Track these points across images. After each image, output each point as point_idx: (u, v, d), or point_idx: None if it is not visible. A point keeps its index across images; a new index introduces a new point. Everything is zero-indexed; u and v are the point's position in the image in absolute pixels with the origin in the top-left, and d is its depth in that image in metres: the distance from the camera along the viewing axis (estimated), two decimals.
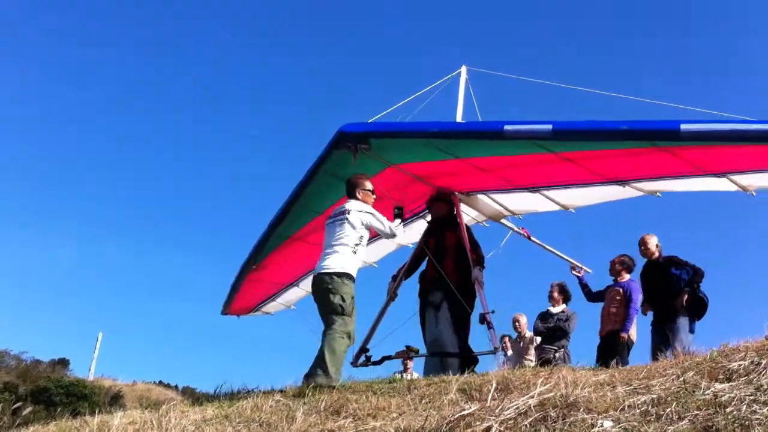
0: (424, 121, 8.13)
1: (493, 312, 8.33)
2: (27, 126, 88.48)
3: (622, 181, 8.39)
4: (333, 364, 6.76)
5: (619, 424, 4.07)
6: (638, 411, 4.25)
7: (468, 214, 9.92)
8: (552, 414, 4.34)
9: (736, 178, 7.52)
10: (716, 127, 6.42)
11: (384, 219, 7.55)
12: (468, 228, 9.09)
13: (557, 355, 10.19)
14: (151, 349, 71.17)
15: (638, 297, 9.49)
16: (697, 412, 4.05)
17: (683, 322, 8.95)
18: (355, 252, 7.24)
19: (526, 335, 11.94)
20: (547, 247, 10.47)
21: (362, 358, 8.72)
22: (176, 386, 46.34)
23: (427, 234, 9.22)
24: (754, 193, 7.68)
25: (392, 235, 7.75)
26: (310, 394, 6.27)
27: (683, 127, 6.33)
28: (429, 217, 9.40)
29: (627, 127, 6.66)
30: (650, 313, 9.45)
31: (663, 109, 8.47)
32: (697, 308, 8.98)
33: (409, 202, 9.37)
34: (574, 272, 10.43)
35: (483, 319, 8.25)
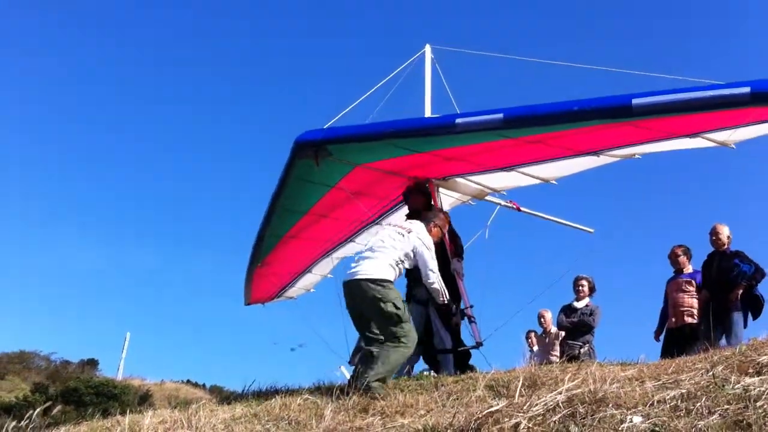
0: (381, 121, 7.93)
1: (471, 307, 8.17)
2: (58, 129, 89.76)
3: (595, 152, 8.20)
4: (380, 374, 6.39)
5: (648, 419, 4.05)
6: (668, 406, 4.23)
7: (450, 197, 9.72)
8: (581, 410, 4.32)
9: (710, 135, 7.31)
10: (670, 98, 6.19)
11: (433, 262, 7.13)
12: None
13: (582, 350, 10.08)
14: (179, 349, 71.92)
15: None
16: (727, 406, 4.02)
17: (737, 316, 8.87)
18: (393, 267, 6.92)
19: (552, 331, 11.87)
20: (542, 214, 10.00)
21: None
22: (204, 385, 46.77)
23: None
24: (734, 146, 7.40)
25: (426, 276, 7.19)
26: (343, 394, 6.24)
27: (635, 101, 6.17)
28: (406, 209, 9.03)
29: (578, 108, 6.49)
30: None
31: (636, 78, 8.48)
32: (753, 306, 8.90)
33: (391, 191, 9.28)
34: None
35: (463, 314, 8.12)
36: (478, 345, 7.89)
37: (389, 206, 9.89)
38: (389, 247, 6.93)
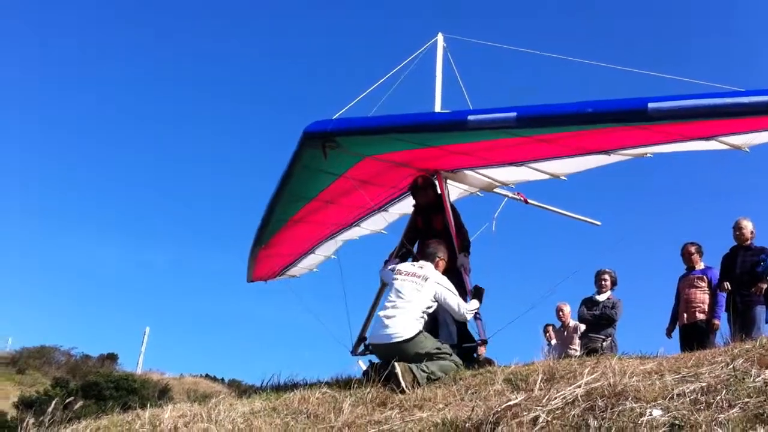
0: (391, 114, 7.78)
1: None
2: (80, 131, 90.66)
3: (606, 151, 8.15)
4: (427, 371, 6.54)
5: (668, 412, 4.03)
6: (688, 399, 4.21)
7: (458, 188, 9.68)
8: (600, 403, 4.32)
9: (725, 139, 7.17)
10: (687, 103, 6.06)
11: (456, 297, 7.33)
12: (455, 210, 8.82)
13: (604, 344, 9.98)
14: (198, 343, 72.38)
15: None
16: (748, 399, 4.00)
17: (760, 310, 8.81)
18: (419, 319, 6.98)
19: (570, 324, 11.84)
20: (549, 207, 9.95)
21: (361, 347, 8.49)
22: (222, 379, 47.08)
23: (414, 217, 9.03)
24: (747, 150, 7.29)
25: (461, 316, 7.41)
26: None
27: (650, 106, 6.07)
28: (413, 201, 9.09)
29: (593, 110, 6.39)
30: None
31: (644, 78, 8.43)
32: None
33: (398, 181, 9.26)
34: None
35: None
36: (483, 342, 7.87)
37: (396, 194, 9.89)
38: (413, 301, 7.05)
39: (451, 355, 6.93)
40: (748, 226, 9.28)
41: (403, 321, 6.90)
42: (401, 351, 6.76)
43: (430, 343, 6.89)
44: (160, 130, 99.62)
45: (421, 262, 7.56)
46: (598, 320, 10.37)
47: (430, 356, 6.77)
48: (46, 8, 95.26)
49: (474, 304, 7.66)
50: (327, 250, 11.99)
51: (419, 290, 7.12)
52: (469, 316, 7.52)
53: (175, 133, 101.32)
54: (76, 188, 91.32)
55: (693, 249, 9.82)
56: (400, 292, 7.14)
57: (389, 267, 7.88)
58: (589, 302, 10.66)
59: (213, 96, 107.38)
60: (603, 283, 10.66)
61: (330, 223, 10.68)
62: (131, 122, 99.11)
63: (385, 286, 8.53)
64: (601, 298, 10.58)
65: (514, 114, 6.71)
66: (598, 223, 10.16)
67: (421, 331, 6.91)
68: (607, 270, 10.72)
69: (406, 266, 7.63)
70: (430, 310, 7.19)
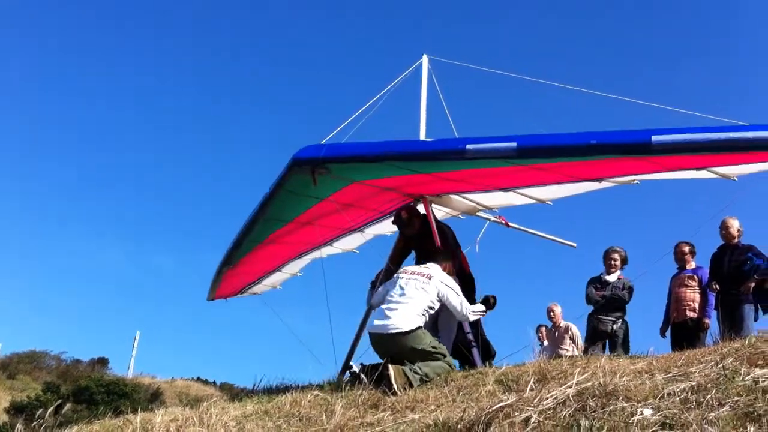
0: (382, 141, 7.63)
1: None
2: (70, 130, 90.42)
3: (598, 179, 8.17)
4: (420, 372, 6.51)
5: (659, 412, 4.06)
6: (678, 398, 4.23)
7: (441, 210, 9.57)
8: (591, 403, 4.33)
9: (716, 169, 7.23)
10: (691, 137, 6.11)
11: (460, 297, 7.30)
12: (448, 229, 8.86)
13: (615, 326, 9.64)
14: (188, 347, 72.08)
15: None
16: (738, 398, 4.03)
17: (748, 309, 8.83)
18: (421, 315, 6.97)
19: (561, 325, 11.82)
20: (529, 230, 9.95)
21: (347, 375, 7.72)
22: (214, 382, 46.81)
23: (403, 243, 8.94)
24: (735, 179, 7.32)
25: (463, 317, 7.43)
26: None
27: (654, 138, 6.07)
28: (391, 220, 8.99)
29: (597, 142, 6.36)
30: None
31: (635, 106, 8.43)
32: (765, 300, 8.85)
33: (381, 204, 9.22)
34: None
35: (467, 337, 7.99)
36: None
37: (375, 217, 9.82)
38: (415, 297, 7.04)
39: (445, 356, 6.90)
40: (734, 224, 9.27)
41: (404, 314, 6.89)
42: (397, 344, 6.79)
43: (428, 340, 6.88)
44: (150, 130, 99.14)
45: (428, 263, 7.55)
46: (609, 302, 9.84)
47: (425, 354, 6.75)
48: (47, 8, 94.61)
49: (479, 306, 7.67)
50: (293, 268, 11.89)
51: (424, 288, 7.11)
52: (472, 317, 7.52)
53: (165, 136, 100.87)
54: (65, 191, 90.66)
55: (686, 249, 9.78)
56: (403, 289, 7.13)
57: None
58: (598, 282, 10.11)
59: (211, 99, 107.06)
60: (612, 262, 10.10)
61: (302, 242, 10.52)
62: (128, 121, 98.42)
63: (371, 308, 8.42)
64: (612, 278, 10.04)
65: (514, 144, 6.62)
66: (574, 245, 10.19)
67: (420, 327, 6.89)
68: (616, 248, 10.23)
69: (411, 267, 7.66)
70: (432, 311, 7.17)
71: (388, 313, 6.96)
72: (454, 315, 7.49)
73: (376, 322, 7.05)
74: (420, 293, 7.07)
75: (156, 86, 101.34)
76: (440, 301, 7.18)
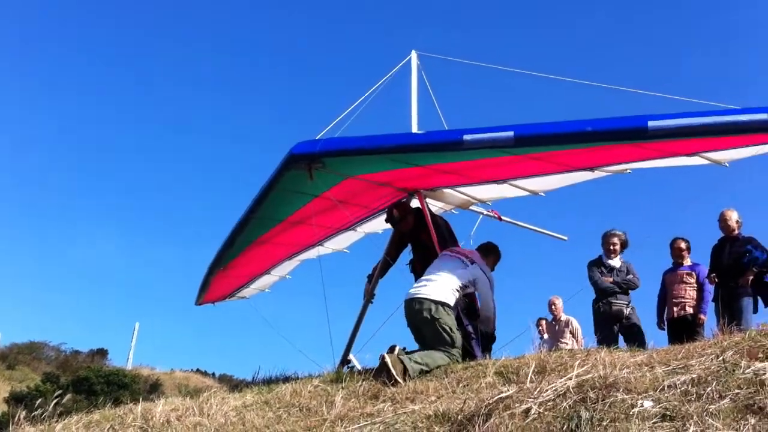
0: (377, 134, 7.53)
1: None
2: (68, 126, 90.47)
3: (591, 168, 8.19)
4: (420, 363, 6.53)
5: (659, 404, 4.06)
6: (678, 391, 4.23)
7: (435, 205, 9.56)
8: (591, 395, 4.34)
9: (708, 155, 7.28)
10: (686, 121, 6.13)
11: (491, 293, 7.54)
12: (444, 222, 8.92)
13: (627, 310, 9.35)
14: (188, 338, 72.18)
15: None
16: (738, 390, 4.03)
17: (747, 302, 8.81)
18: (453, 292, 7.13)
19: (562, 318, 11.84)
20: (521, 223, 9.98)
21: (345, 369, 7.87)
22: (213, 374, 46.92)
23: (399, 236, 8.95)
24: (727, 165, 7.42)
25: (488, 309, 7.56)
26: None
27: (651, 124, 6.10)
28: (384, 217, 9.08)
29: (592, 129, 6.37)
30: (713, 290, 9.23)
31: (628, 96, 8.46)
32: (764, 293, 8.83)
33: (374, 200, 9.22)
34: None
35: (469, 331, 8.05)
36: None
37: (367, 214, 9.82)
38: (454, 276, 7.22)
39: (453, 346, 6.90)
40: (732, 216, 9.22)
41: (438, 286, 7.12)
42: (422, 310, 6.98)
43: (450, 321, 7.00)
44: (149, 125, 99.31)
45: (474, 251, 7.84)
46: (619, 286, 9.47)
47: (437, 333, 6.88)
48: (46, 8, 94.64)
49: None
50: (283, 270, 11.88)
51: (462, 268, 7.33)
52: (490, 312, 7.61)
53: (164, 130, 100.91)
54: (65, 184, 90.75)
55: (684, 245, 9.73)
56: (443, 265, 7.40)
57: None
58: (602, 266, 9.71)
59: (209, 101, 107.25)
60: (612, 247, 9.73)
61: (294, 243, 10.49)
62: (126, 115, 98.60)
63: (368, 302, 8.78)
64: (615, 263, 9.68)
65: (511, 133, 6.57)
66: (565, 238, 10.32)
67: (448, 304, 7.04)
68: (616, 231, 9.87)
69: (458, 248, 7.94)
70: (464, 291, 7.32)
71: (425, 282, 7.24)
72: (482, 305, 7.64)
73: (411, 290, 7.27)
74: (459, 271, 7.28)
75: (151, 82, 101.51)
76: (473, 285, 7.36)
